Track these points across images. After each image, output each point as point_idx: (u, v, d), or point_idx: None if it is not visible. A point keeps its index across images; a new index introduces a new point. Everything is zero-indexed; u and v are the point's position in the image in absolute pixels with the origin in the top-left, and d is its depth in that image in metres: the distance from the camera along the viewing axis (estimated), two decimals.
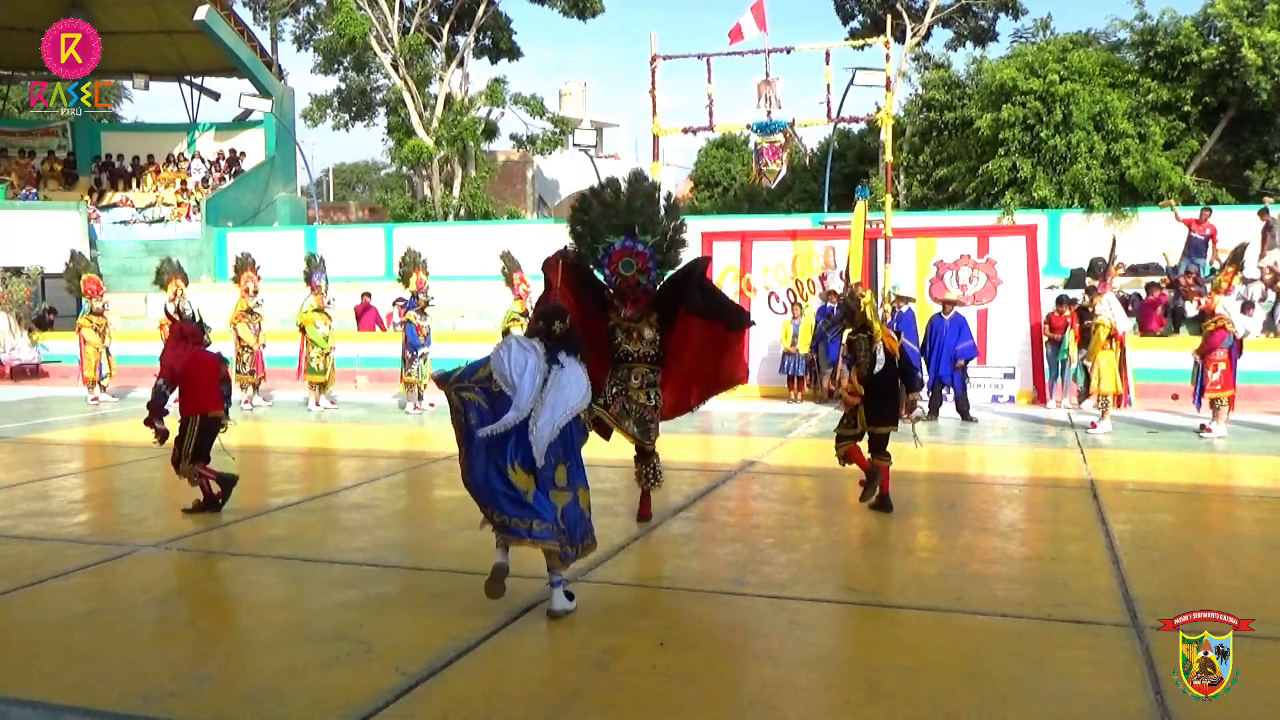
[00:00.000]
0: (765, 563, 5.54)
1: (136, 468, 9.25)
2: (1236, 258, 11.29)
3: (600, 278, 6.21)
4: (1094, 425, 10.63)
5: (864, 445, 6.88)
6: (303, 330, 13.36)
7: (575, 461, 4.55)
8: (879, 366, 6.67)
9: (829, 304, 13.72)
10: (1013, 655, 4.13)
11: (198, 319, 7.29)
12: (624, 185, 6.18)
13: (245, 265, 13.96)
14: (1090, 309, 10.98)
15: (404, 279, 13.18)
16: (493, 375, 4.36)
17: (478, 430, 4.32)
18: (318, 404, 13.31)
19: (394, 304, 13.20)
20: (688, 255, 6.40)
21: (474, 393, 4.41)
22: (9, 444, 10.54)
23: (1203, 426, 10.57)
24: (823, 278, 14.09)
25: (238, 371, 12.59)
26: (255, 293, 13.89)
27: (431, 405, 12.76)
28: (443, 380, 4.56)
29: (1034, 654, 4.13)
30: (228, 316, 13.79)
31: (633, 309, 6.13)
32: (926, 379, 12.00)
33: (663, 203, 6.23)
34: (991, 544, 5.99)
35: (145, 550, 5.85)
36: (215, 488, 6.89)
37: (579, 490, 4.56)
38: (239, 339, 13.51)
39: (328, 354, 13.33)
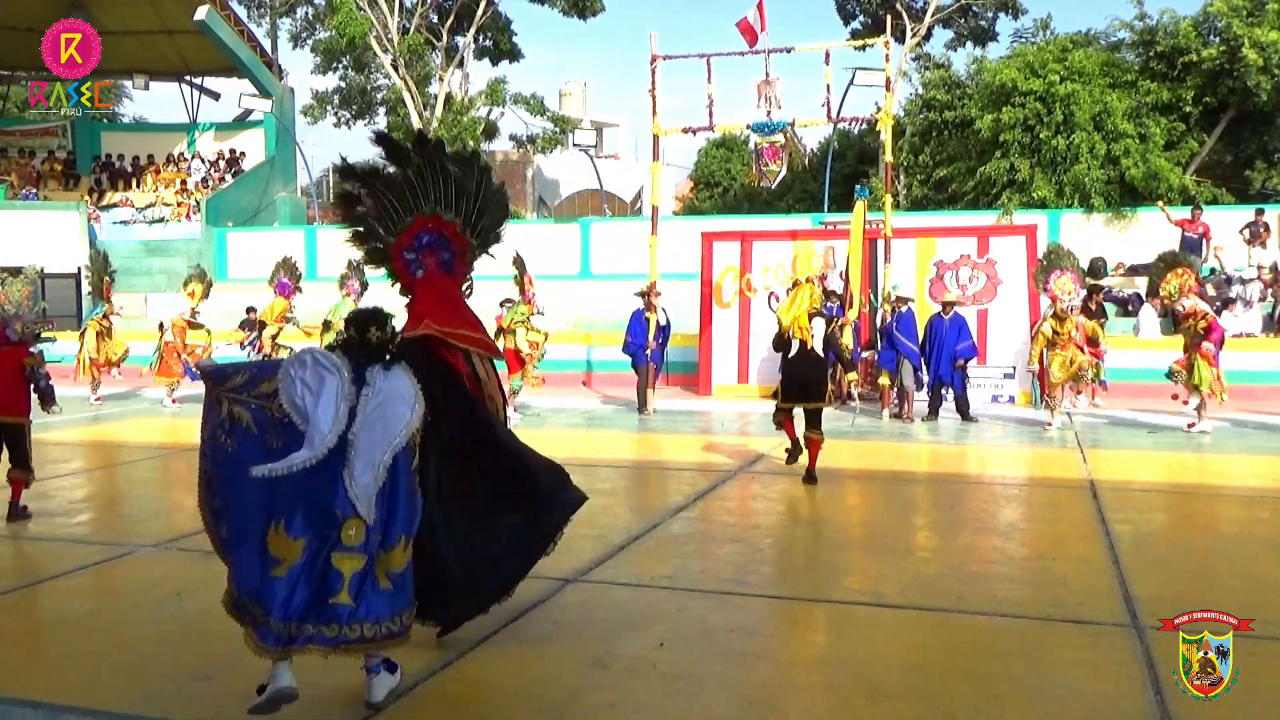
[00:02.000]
0: (765, 563, 5.55)
1: (136, 468, 9.25)
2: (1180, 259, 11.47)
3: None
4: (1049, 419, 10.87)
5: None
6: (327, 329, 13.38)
7: (403, 504, 3.45)
8: (793, 351, 7.81)
9: (829, 304, 13.72)
10: (1013, 655, 4.13)
11: (29, 314, 6.87)
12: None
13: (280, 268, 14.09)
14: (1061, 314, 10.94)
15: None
16: (278, 395, 3.30)
17: (248, 463, 3.24)
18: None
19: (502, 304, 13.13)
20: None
21: (245, 410, 3.33)
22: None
23: (1190, 424, 10.63)
24: (822, 278, 14.07)
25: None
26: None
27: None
28: (211, 379, 3.47)
29: (1034, 654, 4.13)
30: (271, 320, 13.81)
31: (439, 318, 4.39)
32: (926, 379, 12.01)
33: (455, 169, 4.44)
34: (991, 544, 5.99)
35: (145, 550, 5.85)
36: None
37: (396, 546, 3.42)
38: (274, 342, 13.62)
39: None
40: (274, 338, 13.63)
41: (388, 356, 3.53)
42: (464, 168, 4.34)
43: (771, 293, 14.42)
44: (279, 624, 3.19)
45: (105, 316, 14.64)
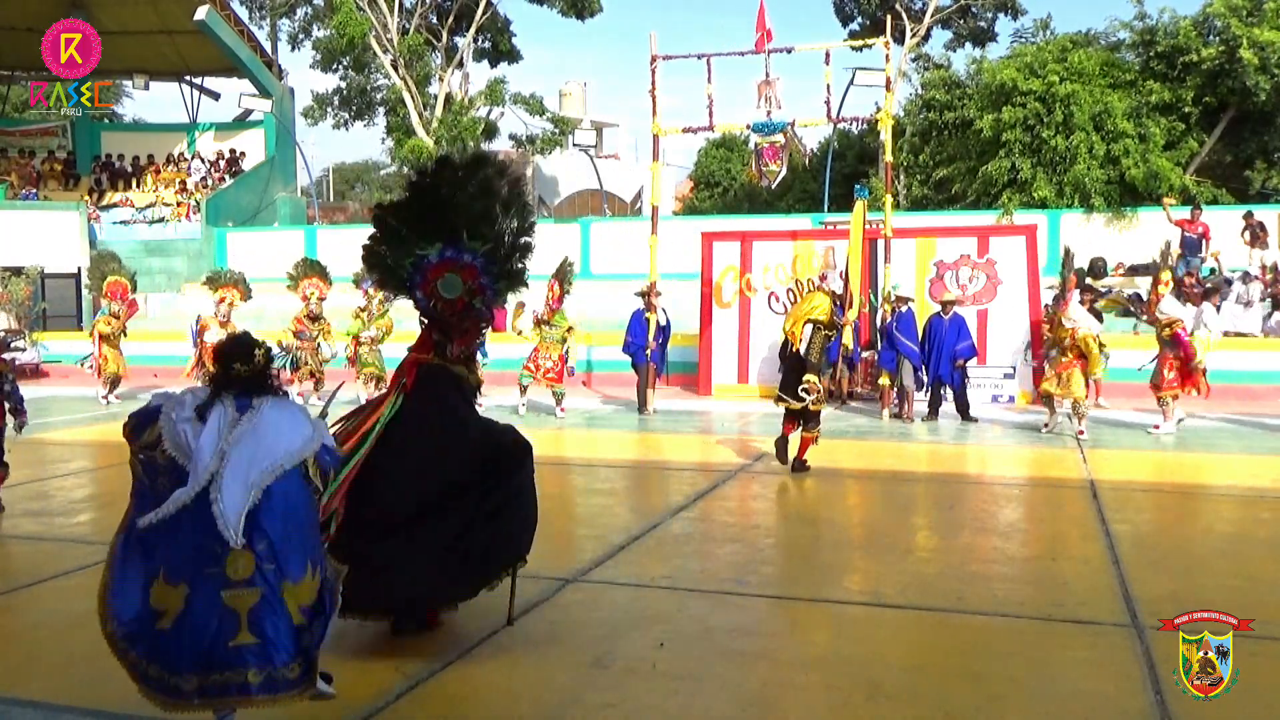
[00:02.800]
0: (765, 563, 5.55)
1: None
2: (1161, 263, 11.49)
3: (415, 305, 4.38)
4: (1081, 432, 10.24)
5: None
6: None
7: (302, 533, 3.23)
8: (789, 351, 8.18)
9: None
10: (1013, 655, 4.13)
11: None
12: (456, 171, 4.30)
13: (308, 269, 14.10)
14: (1058, 318, 10.65)
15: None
16: (162, 440, 3.14)
17: (137, 521, 3.09)
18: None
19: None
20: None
21: (137, 464, 3.21)
22: (9, 444, 10.52)
23: (1155, 425, 10.63)
24: (822, 278, 14.08)
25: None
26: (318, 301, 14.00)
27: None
28: (129, 436, 3.28)
29: (1034, 654, 4.13)
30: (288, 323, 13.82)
31: (462, 344, 4.41)
32: (926, 379, 12.01)
33: (505, 191, 4.36)
34: (991, 544, 5.99)
35: None
36: None
37: (304, 577, 3.17)
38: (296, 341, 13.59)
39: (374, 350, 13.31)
40: (297, 335, 13.56)
41: (266, 386, 3.32)
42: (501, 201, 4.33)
43: (771, 293, 14.42)
44: (180, 677, 3.03)
45: (114, 316, 14.50)
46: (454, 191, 4.23)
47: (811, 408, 8.14)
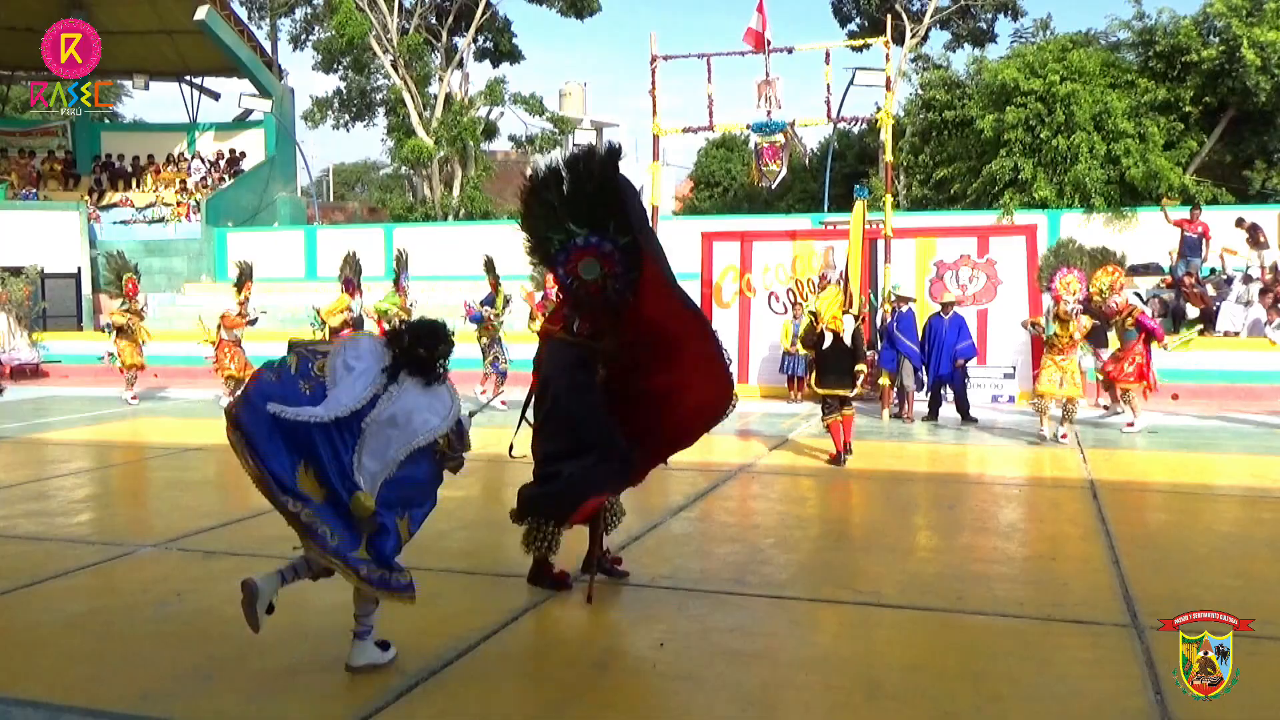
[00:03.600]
0: (765, 563, 5.54)
1: (136, 468, 9.26)
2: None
3: (552, 279, 4.93)
4: (1064, 435, 10.06)
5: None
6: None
7: (422, 489, 3.83)
8: (826, 344, 8.74)
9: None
10: (1013, 655, 4.13)
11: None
12: (596, 164, 4.59)
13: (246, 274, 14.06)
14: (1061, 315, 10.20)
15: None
16: (329, 356, 3.74)
17: (267, 397, 3.57)
18: None
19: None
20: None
21: (297, 357, 3.73)
22: (9, 444, 10.54)
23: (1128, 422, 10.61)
24: (822, 278, 14.08)
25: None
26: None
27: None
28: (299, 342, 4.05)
29: (1034, 654, 4.13)
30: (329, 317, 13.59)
31: (588, 323, 4.86)
32: (926, 379, 12.01)
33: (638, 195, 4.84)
34: (991, 544, 5.99)
35: (145, 550, 5.85)
36: None
37: (399, 521, 3.75)
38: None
39: None
40: (335, 332, 13.50)
41: (433, 372, 3.80)
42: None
43: (771, 293, 14.41)
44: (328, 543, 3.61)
45: (131, 311, 14.46)
46: (608, 183, 4.52)
47: (855, 392, 8.94)
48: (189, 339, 15.04)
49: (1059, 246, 11.43)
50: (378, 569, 3.70)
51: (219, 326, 13.82)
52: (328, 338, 13.31)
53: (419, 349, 3.76)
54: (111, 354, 14.49)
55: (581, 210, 4.53)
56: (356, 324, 13.54)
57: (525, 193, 4.68)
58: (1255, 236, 16.76)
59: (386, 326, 13.03)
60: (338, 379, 3.65)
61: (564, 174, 4.57)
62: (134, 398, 14.40)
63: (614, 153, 4.57)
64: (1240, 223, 16.88)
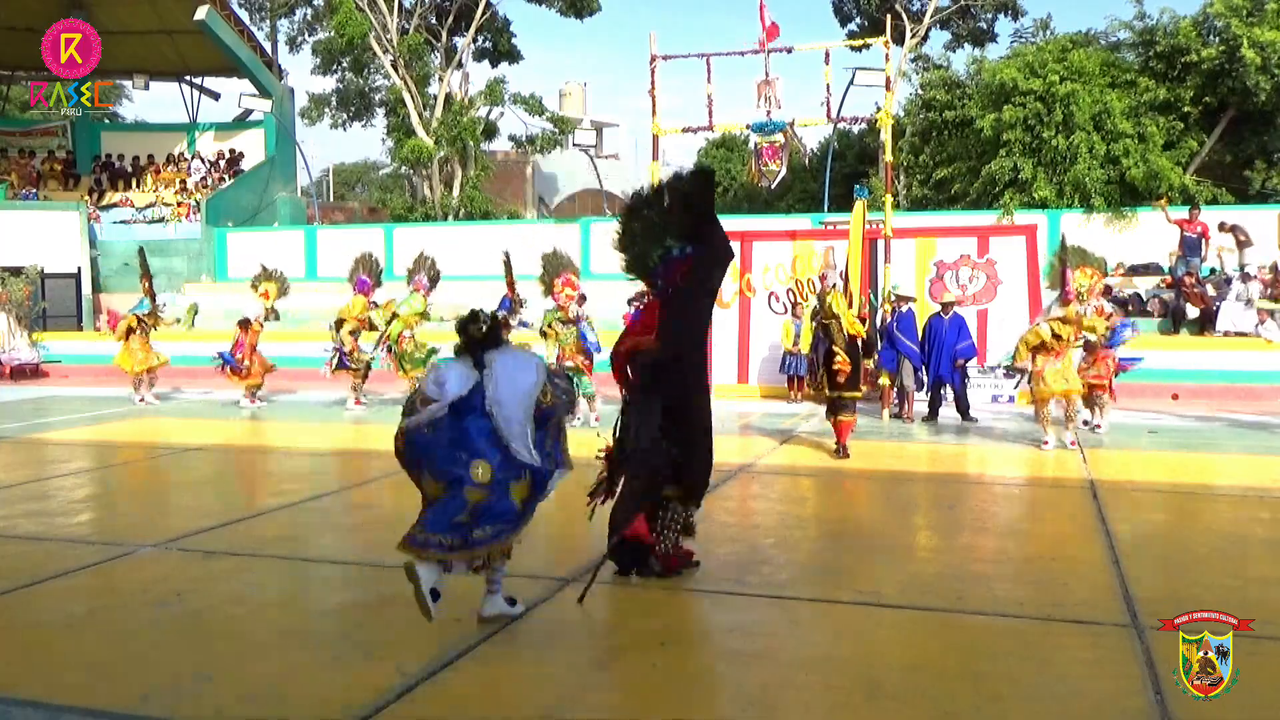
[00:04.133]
0: (765, 563, 5.54)
1: (136, 468, 9.26)
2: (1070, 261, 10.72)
3: (651, 289, 5.31)
4: (1074, 442, 9.73)
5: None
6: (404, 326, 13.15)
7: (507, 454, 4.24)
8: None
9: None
10: (1013, 655, 4.13)
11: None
12: (693, 184, 5.06)
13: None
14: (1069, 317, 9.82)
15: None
16: (425, 392, 4.28)
17: (418, 433, 4.20)
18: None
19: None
20: None
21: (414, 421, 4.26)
22: (9, 444, 10.54)
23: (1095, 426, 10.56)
24: (822, 278, 14.07)
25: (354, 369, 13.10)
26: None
27: None
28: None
29: (1034, 654, 4.13)
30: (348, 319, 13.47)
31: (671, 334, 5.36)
32: (926, 379, 12.01)
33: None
34: (991, 544, 5.99)
35: (145, 550, 5.85)
36: None
37: (510, 484, 4.21)
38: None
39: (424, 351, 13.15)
40: (353, 334, 13.39)
41: (498, 341, 4.32)
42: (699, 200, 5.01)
43: (771, 293, 14.41)
44: (420, 533, 4.14)
45: (151, 314, 14.31)
46: (704, 199, 4.97)
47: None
48: (189, 339, 15.02)
49: (1069, 250, 10.95)
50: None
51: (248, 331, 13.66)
52: (342, 341, 13.27)
53: (472, 330, 4.30)
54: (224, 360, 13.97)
55: (681, 226, 4.94)
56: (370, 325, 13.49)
57: (624, 214, 5.12)
58: (1237, 237, 16.79)
59: (408, 334, 12.97)
60: (438, 388, 4.21)
61: (664, 194, 4.99)
62: (154, 397, 14.25)
63: (708, 173, 5.15)
64: (1223, 226, 16.90)
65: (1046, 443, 9.53)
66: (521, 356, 4.41)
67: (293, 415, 13.09)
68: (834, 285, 10.88)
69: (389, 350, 13.07)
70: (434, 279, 13.63)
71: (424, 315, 13.21)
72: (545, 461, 4.29)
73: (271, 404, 13.98)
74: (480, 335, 4.29)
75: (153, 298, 14.56)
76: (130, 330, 14.15)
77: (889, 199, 13.34)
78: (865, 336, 9.24)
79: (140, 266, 14.83)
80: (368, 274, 13.72)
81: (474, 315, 4.36)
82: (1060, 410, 9.94)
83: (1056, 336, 9.52)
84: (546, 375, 4.34)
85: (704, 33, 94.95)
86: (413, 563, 4.09)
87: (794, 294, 14.31)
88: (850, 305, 12.75)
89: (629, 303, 13.32)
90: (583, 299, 12.47)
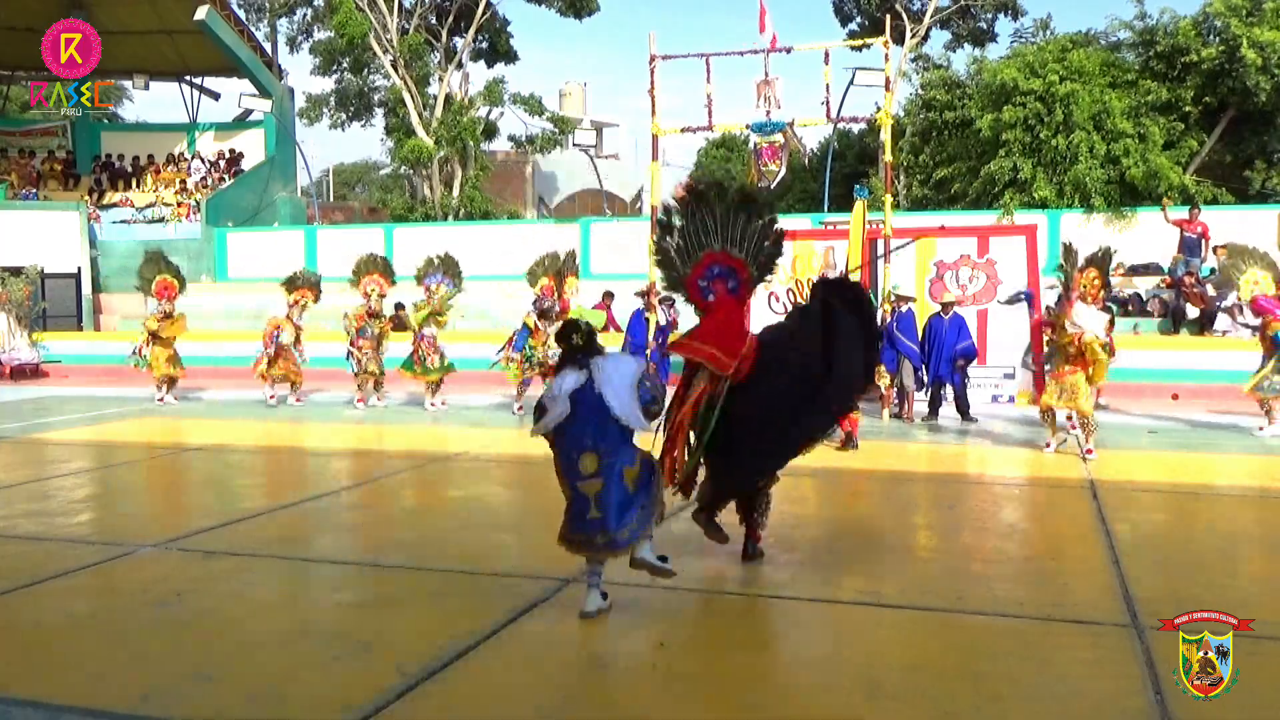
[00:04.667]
0: (765, 563, 5.54)
1: (136, 468, 9.26)
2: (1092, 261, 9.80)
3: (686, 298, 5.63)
4: (1090, 451, 9.13)
5: None
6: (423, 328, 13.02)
7: (619, 442, 4.66)
8: None
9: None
10: (1013, 655, 4.13)
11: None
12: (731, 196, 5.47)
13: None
14: (1059, 323, 9.28)
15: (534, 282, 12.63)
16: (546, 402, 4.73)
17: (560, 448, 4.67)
18: (432, 405, 13.06)
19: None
20: None
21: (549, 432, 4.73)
22: (9, 444, 10.54)
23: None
24: (823, 278, 14.06)
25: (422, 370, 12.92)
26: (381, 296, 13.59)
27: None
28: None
29: (1034, 654, 4.13)
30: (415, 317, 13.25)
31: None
32: (926, 379, 12.00)
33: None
34: (991, 544, 5.99)
35: (145, 550, 5.85)
36: None
37: (623, 469, 4.59)
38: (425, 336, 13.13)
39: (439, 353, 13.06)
40: (431, 338, 13.09)
41: (596, 348, 4.73)
42: (749, 210, 5.37)
43: (771, 293, 14.40)
44: (612, 535, 4.50)
45: (166, 316, 14.04)
46: (728, 211, 5.31)
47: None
48: (189, 339, 14.97)
49: (1067, 252, 10.02)
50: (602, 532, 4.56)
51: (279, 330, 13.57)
52: (354, 337, 13.18)
53: (575, 340, 4.74)
54: (142, 356, 13.97)
55: (707, 236, 5.35)
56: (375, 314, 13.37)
57: (659, 234, 5.50)
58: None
59: (422, 345, 12.87)
60: (554, 396, 4.64)
61: (694, 209, 5.38)
62: (174, 397, 14.10)
63: (746, 191, 5.64)
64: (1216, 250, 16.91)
65: (1049, 444, 9.35)
66: (620, 355, 4.96)
67: (293, 415, 13.09)
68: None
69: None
70: (454, 274, 13.34)
71: (437, 314, 13.10)
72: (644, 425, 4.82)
73: (304, 404, 13.79)
74: (582, 342, 4.78)
75: (164, 299, 14.21)
76: (152, 334, 13.94)
77: (889, 199, 13.33)
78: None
79: (158, 267, 14.47)
80: (449, 272, 13.30)
81: (574, 325, 4.84)
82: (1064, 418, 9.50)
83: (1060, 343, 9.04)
84: (644, 369, 4.88)
85: (704, 33, 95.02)
86: (633, 554, 4.61)
87: (794, 294, 14.29)
88: None
89: (638, 295, 13.32)
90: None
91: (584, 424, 4.55)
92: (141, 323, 14.51)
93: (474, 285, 19.23)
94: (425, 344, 13.00)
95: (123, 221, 25.00)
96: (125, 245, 24.48)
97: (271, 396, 13.59)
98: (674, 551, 5.88)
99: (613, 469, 4.52)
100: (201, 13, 24.23)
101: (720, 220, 5.31)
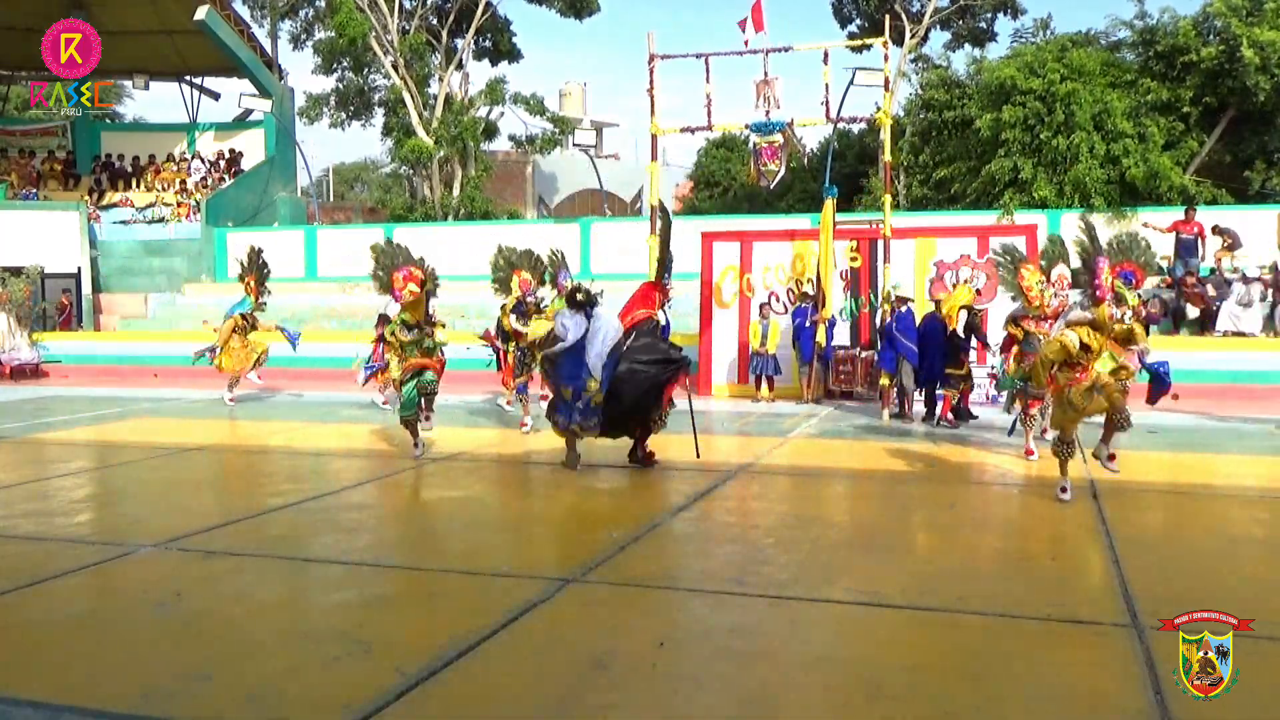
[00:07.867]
0: (765, 563, 5.54)
1: (136, 468, 9.25)
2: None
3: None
4: (1112, 456, 7.62)
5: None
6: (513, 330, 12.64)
7: (608, 371, 7.92)
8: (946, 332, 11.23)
9: (804, 305, 13.73)
10: (1013, 655, 4.13)
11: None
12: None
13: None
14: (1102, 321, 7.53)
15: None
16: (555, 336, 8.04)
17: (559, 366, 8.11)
18: (509, 403, 12.69)
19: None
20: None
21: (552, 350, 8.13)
22: (9, 444, 10.55)
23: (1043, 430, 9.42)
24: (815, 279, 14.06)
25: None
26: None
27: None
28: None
29: (1034, 654, 4.13)
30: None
31: (662, 306, 9.11)
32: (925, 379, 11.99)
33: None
34: (991, 544, 5.99)
35: (145, 550, 5.86)
36: None
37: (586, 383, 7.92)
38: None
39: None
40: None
41: (595, 304, 8.04)
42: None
43: (771, 293, 14.41)
44: (565, 422, 8.11)
45: (250, 314, 13.97)
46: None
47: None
48: (189, 338, 14.99)
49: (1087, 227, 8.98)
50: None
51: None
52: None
53: (580, 298, 7.93)
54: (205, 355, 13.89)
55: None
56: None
57: (663, 247, 9.05)
58: (1225, 240, 16.81)
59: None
60: (566, 331, 7.94)
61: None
62: (232, 399, 14.00)
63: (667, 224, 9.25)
64: (1215, 229, 16.91)
65: (1065, 490, 7.23)
66: (611, 317, 8.05)
67: (294, 415, 13.08)
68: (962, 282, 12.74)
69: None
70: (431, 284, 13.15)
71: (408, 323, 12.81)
72: (606, 378, 7.93)
73: (302, 400, 13.92)
74: (586, 299, 7.85)
75: (257, 295, 14.06)
76: (235, 329, 13.83)
77: (888, 199, 13.34)
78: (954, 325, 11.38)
79: (249, 263, 14.18)
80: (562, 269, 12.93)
81: (580, 288, 8.10)
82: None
83: (1085, 348, 7.09)
84: (622, 331, 8.08)
85: (703, 32, 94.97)
86: (574, 433, 8.11)
87: (794, 294, 14.31)
88: (822, 306, 12.89)
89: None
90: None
91: (573, 356, 7.90)
92: (230, 318, 14.00)
93: (474, 285, 19.30)
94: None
95: (123, 221, 24.98)
96: (125, 245, 24.49)
97: (232, 399, 13.74)
98: (673, 551, 5.92)
99: (581, 385, 7.81)
100: (201, 13, 24.22)
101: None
